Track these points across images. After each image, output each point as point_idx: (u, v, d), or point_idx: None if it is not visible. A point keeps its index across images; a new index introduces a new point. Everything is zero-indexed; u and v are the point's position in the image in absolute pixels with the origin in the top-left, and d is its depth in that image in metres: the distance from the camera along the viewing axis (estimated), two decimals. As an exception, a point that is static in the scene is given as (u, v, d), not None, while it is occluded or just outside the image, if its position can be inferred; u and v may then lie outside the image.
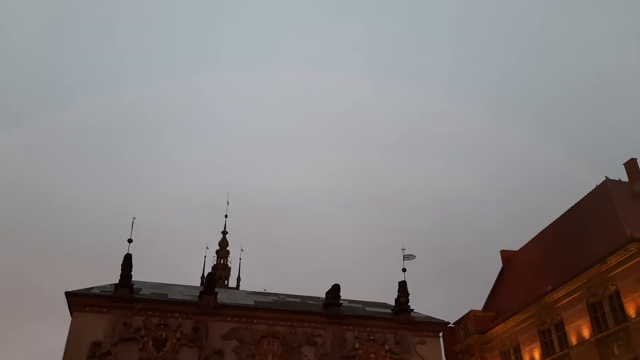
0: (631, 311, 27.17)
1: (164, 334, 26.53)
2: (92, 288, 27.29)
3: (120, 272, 27.42)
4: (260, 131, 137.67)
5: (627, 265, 27.77)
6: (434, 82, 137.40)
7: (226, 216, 69.86)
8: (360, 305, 31.80)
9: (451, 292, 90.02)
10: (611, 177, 35.95)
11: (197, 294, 28.34)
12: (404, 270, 31.47)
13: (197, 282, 60.40)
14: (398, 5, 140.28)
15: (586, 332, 29.92)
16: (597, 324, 29.47)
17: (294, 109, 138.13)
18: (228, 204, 69.19)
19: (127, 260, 27.59)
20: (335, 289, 29.77)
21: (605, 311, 29.01)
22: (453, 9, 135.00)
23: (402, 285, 31.35)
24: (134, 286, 27.61)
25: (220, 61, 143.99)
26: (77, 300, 26.37)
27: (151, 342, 26.23)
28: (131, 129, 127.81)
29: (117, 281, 27.17)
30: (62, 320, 29.12)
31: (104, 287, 27.65)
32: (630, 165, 35.35)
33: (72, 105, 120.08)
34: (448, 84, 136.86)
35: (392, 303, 31.56)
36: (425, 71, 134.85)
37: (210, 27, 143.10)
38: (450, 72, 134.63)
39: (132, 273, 27.48)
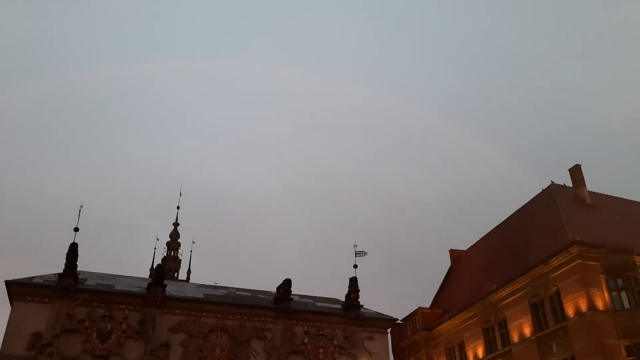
0: (570, 311, 28.31)
1: (109, 326, 25.83)
2: (34, 277, 26.26)
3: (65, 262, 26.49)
4: (215, 124, 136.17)
5: (568, 267, 28.91)
6: (388, 80, 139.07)
7: (178, 207, 68.27)
8: (311, 301, 31.88)
9: (401, 289, 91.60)
10: (557, 182, 37.28)
11: (145, 286, 27.76)
12: (355, 266, 31.67)
13: (146, 274, 59.13)
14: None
15: (527, 331, 30.98)
16: (538, 323, 30.57)
17: (249, 104, 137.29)
18: (180, 195, 67.63)
19: (73, 250, 26.65)
20: (287, 283, 29.71)
21: (546, 310, 30.12)
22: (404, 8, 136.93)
23: (353, 282, 31.55)
24: (79, 276, 26.78)
25: (175, 52, 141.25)
26: (18, 290, 25.34)
27: (95, 334, 25.50)
28: (74, 115, 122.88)
29: (62, 271, 26.28)
30: (1, 311, 28.00)
31: (47, 276, 26.66)
32: (574, 171, 36.71)
33: (2, 87, 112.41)
34: (403, 84, 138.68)
35: (343, 299, 31.76)
36: (377, 69, 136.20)
37: (180, 15, 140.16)
38: (405, 72, 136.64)
39: (77, 263, 26.62)
